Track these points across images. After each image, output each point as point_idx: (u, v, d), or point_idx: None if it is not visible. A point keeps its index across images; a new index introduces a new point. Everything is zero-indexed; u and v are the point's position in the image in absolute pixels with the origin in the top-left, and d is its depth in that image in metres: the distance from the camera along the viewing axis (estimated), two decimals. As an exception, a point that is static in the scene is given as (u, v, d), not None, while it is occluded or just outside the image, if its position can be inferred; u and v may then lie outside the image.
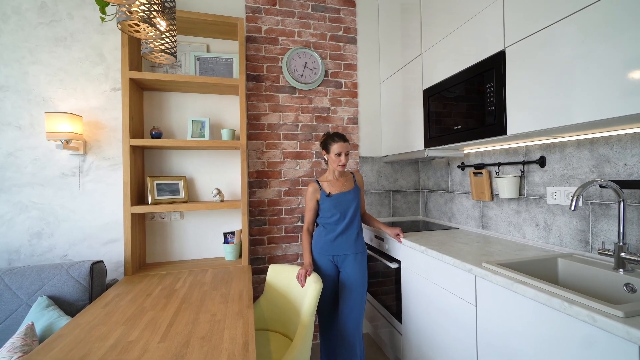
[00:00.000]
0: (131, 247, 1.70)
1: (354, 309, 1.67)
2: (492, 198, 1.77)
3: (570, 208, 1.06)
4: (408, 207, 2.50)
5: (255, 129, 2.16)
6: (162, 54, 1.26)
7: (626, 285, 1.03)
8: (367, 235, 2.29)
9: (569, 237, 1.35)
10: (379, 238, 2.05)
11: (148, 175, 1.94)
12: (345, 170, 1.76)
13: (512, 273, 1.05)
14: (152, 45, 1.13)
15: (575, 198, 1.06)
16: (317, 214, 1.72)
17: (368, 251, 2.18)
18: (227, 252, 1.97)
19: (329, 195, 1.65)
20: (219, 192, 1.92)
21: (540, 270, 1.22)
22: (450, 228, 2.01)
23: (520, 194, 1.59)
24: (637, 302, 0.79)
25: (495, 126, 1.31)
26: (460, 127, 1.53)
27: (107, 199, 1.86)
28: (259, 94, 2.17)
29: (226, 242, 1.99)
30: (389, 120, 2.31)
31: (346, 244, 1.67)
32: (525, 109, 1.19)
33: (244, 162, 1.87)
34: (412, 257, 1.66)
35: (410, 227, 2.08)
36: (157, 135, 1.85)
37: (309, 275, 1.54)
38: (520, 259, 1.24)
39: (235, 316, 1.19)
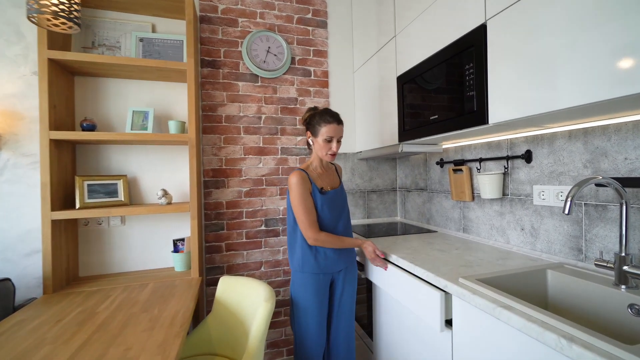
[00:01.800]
0: (53, 259, 1.42)
1: (351, 335, 1.45)
2: (473, 198, 1.58)
3: (564, 211, 0.87)
4: (385, 207, 2.29)
5: (211, 121, 1.91)
6: (64, 21, 1.00)
7: (631, 306, 0.84)
8: (338, 239, 2.07)
9: (558, 244, 1.17)
10: (351, 243, 1.83)
11: (80, 174, 1.66)
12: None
13: (494, 293, 0.84)
14: (37, 6, 0.86)
15: (569, 199, 0.86)
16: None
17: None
18: (176, 262, 1.71)
19: (322, 191, 1.35)
20: (165, 194, 1.66)
21: (527, 285, 1.03)
22: (428, 231, 1.82)
23: (504, 194, 1.40)
24: (655, 341, 0.59)
25: (476, 114, 1.11)
26: (436, 117, 1.33)
27: (27, 203, 1.57)
28: (215, 82, 1.92)
29: (176, 250, 1.74)
30: (363, 113, 2.10)
31: (346, 255, 1.40)
32: (511, 93, 0.99)
33: (194, 158, 1.61)
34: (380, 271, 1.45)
35: (387, 231, 1.88)
36: (90, 128, 1.57)
37: (381, 254, 1.34)
38: (504, 271, 1.04)
39: (154, 350, 0.94)
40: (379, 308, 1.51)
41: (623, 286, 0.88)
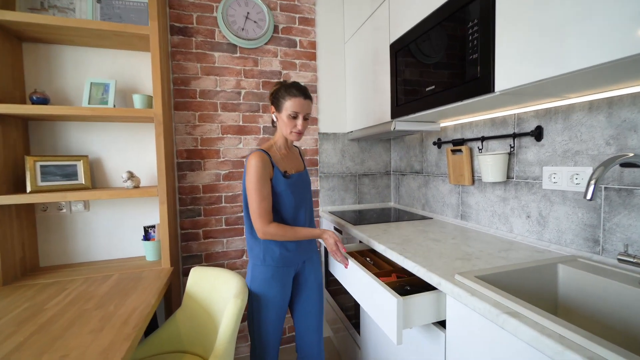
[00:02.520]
0: (1, 248, 1.27)
1: (319, 327, 1.32)
2: (473, 182, 1.42)
3: (585, 197, 0.71)
4: (377, 192, 2.13)
5: (184, 96, 1.71)
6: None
7: (661, 310, 0.69)
8: (325, 226, 1.92)
9: (570, 234, 1.02)
10: (338, 230, 1.69)
11: (33, 154, 1.48)
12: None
13: (497, 295, 0.69)
14: None
15: (593, 183, 0.70)
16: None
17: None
18: (147, 251, 1.56)
19: (286, 174, 1.19)
20: (131, 177, 1.49)
21: (534, 282, 0.88)
22: (423, 218, 1.67)
23: (509, 177, 1.23)
24: None
25: (480, 81, 0.92)
26: (433, 87, 1.14)
27: (-26, 186, 1.40)
28: (187, 52, 1.71)
29: (147, 237, 1.58)
30: (355, 88, 1.90)
31: (310, 244, 1.28)
32: (523, 51, 0.80)
33: (161, 137, 1.43)
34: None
35: (379, 217, 1.73)
36: (41, 101, 1.38)
37: (342, 247, 1.20)
38: (508, 266, 0.89)
39: (94, 357, 0.80)
40: (366, 302, 1.37)
41: (651, 286, 0.73)
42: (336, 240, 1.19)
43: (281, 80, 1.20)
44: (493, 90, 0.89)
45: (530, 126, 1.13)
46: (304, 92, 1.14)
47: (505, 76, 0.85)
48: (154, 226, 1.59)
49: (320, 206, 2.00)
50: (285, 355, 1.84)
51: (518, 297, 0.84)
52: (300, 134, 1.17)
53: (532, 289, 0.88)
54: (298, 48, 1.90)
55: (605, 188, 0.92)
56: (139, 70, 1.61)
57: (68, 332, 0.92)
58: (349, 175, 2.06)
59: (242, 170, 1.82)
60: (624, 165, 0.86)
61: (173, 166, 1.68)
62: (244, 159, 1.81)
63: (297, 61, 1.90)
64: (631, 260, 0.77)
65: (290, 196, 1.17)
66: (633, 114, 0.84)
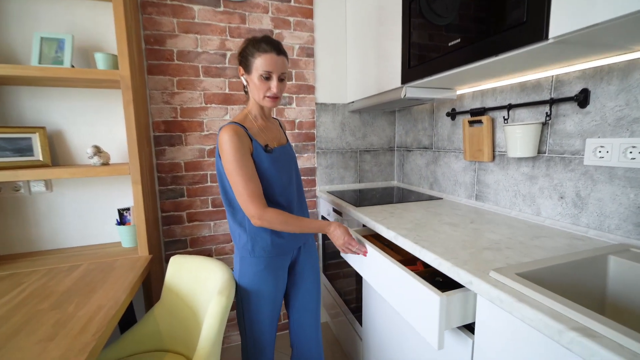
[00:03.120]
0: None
1: (316, 321, 1.18)
2: (494, 158, 1.24)
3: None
4: (380, 170, 1.95)
5: (158, 57, 1.46)
6: None
7: None
8: (323, 207, 1.75)
9: (616, 218, 0.86)
10: (338, 212, 1.52)
11: (-23, 124, 1.25)
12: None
13: (555, 302, 0.53)
14: None
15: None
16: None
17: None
18: (123, 236, 1.38)
19: (267, 148, 0.99)
20: (98, 152, 1.27)
21: (580, 277, 0.73)
22: (431, 198, 1.50)
23: (540, 151, 1.06)
24: None
25: (527, 26, 0.72)
26: (458, 41, 0.93)
27: None
28: (160, 4, 1.44)
29: (122, 222, 1.40)
30: (358, 50, 1.66)
31: None
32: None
33: (130, 105, 1.21)
34: (373, 245, 1.15)
35: (382, 197, 1.56)
36: (-21, 59, 1.13)
37: (353, 243, 1.00)
38: (551, 259, 0.73)
39: (38, 379, 0.64)
40: (371, 295, 1.23)
41: None
42: (345, 232, 1.00)
43: (251, 37, 0.96)
44: (546, 38, 0.68)
45: (573, 90, 0.94)
46: (276, 47, 0.93)
47: (566, 15, 0.64)
48: (129, 208, 1.40)
49: (318, 185, 1.82)
50: (278, 341, 1.73)
51: (566, 298, 0.69)
52: (275, 98, 0.96)
53: (577, 285, 0.72)
54: (292, 3, 1.63)
55: (671, 163, 0.75)
56: (103, 26, 1.35)
57: (10, 342, 0.74)
58: (349, 152, 1.86)
59: (230, 145, 1.61)
60: None
61: (149, 140, 1.46)
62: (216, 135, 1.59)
63: (291, 19, 1.64)
64: None
65: (275, 174, 0.98)
66: None
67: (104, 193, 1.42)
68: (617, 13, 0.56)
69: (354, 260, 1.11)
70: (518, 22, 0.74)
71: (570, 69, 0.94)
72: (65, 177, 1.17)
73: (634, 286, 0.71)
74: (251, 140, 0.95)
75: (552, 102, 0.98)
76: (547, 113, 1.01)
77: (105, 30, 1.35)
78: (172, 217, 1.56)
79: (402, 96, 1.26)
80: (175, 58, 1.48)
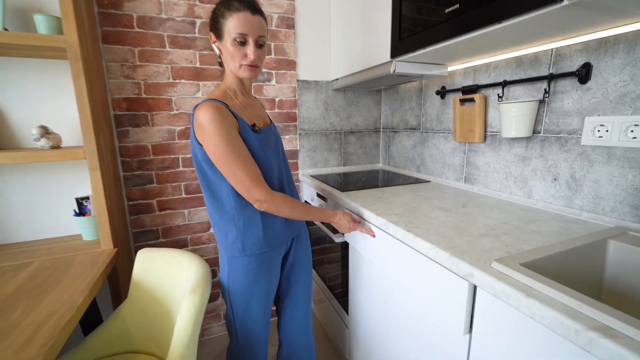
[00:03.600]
0: None
1: (307, 314, 1.11)
2: (485, 138, 1.18)
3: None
4: (365, 152, 1.87)
5: (115, 24, 1.27)
6: None
7: None
8: (306, 192, 1.66)
9: (612, 200, 0.83)
10: (322, 197, 1.44)
11: None
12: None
13: (568, 297, 0.48)
14: None
15: None
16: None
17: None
18: (82, 229, 1.23)
19: (255, 129, 0.86)
20: (46, 133, 1.10)
21: (579, 263, 0.69)
22: (418, 181, 1.45)
23: (534, 131, 1.00)
24: None
25: (538, -16, 0.63)
26: (457, 6, 0.83)
27: None
28: (113, -42, 1.23)
29: (82, 212, 1.25)
30: (343, 20, 1.53)
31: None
32: None
33: (81, 78, 1.03)
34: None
35: (367, 181, 1.49)
36: None
37: (360, 229, 1.00)
38: (552, 247, 0.68)
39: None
40: (358, 282, 1.18)
41: None
42: (351, 218, 0.98)
43: None
44: (560, 0, 0.60)
45: (574, 64, 0.88)
46: (250, 4, 0.78)
47: (586, -29, 0.56)
48: (89, 197, 1.25)
49: (300, 169, 1.72)
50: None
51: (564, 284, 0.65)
52: (254, 67, 0.82)
53: (574, 271, 0.68)
54: (269, -36, 1.46)
55: (675, 143, 0.71)
56: (41, -19, 1.13)
57: (-63, 359, 0.62)
58: (334, 133, 1.76)
59: (203, 125, 1.47)
60: None
61: (109, 120, 1.29)
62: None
63: (268, -17, 1.47)
64: None
65: (265, 157, 0.86)
66: None
67: (57, 180, 1.26)
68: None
69: (358, 242, 1.06)
70: (527, -18, 0.65)
71: (572, 41, 0.87)
72: (6, 162, 1.01)
73: (633, 270, 0.68)
74: (237, 118, 0.82)
75: (551, 77, 0.92)
76: (545, 90, 0.95)
77: (47, -12, 1.14)
78: (140, 205, 1.42)
79: (392, 71, 1.16)
80: (135, 25, 1.30)
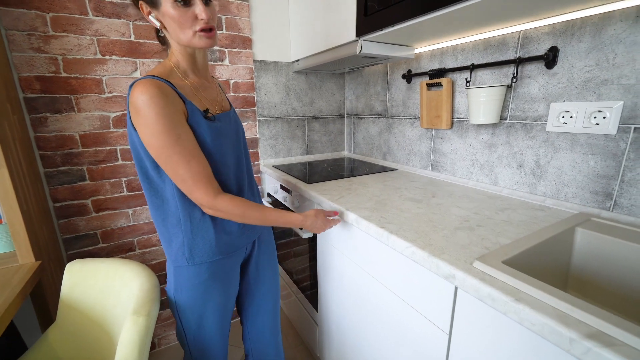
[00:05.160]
0: None
1: (275, 324, 1.01)
2: (452, 125, 1.16)
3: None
4: (329, 140, 1.79)
5: (14, -20, 1.00)
6: None
7: None
8: (269, 184, 1.55)
9: (574, 186, 0.84)
10: (286, 189, 1.34)
11: None
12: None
13: (557, 299, 0.44)
14: None
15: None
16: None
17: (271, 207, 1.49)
18: (-8, 240, 1.00)
19: (207, 114, 0.71)
20: None
21: (550, 252, 0.68)
22: (385, 169, 1.40)
23: (501, 117, 0.99)
24: None
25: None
26: (429, -22, 0.76)
27: None
28: None
29: (-11, 220, 1.01)
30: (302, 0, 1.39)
31: None
32: None
33: (-34, 48, 0.79)
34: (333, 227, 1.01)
35: (333, 170, 1.41)
36: None
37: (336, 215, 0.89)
38: (527, 238, 0.67)
39: None
40: (328, 278, 1.11)
41: (702, 254, 0.57)
42: (324, 220, 0.86)
43: None
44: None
45: (541, 48, 0.86)
46: None
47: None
48: (-4, 201, 1.01)
49: (261, 159, 1.59)
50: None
51: (531, 276, 0.64)
52: (210, 30, 0.67)
53: (545, 260, 0.68)
54: None
55: (635, 129, 0.72)
56: None
57: None
58: (296, 119, 1.65)
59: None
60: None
61: (16, 104, 1.04)
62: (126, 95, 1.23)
63: (215, -56, 1.27)
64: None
65: (221, 149, 0.73)
66: None
67: (-49, 181, 1.00)
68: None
69: (331, 236, 0.97)
70: (508, -49, 0.59)
71: (539, 24, 0.85)
72: None
73: (598, 257, 0.69)
74: (184, 102, 0.67)
75: (518, 61, 0.89)
76: (513, 74, 0.92)
77: None
78: (70, 207, 1.20)
79: (358, 52, 1.07)
80: (44, -16, 1.04)
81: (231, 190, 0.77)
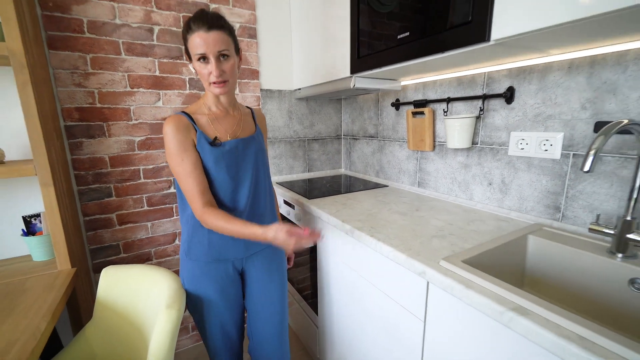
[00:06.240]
0: None
1: (282, 332, 1.08)
2: (434, 147, 1.34)
3: (582, 169, 0.64)
4: (328, 159, 1.96)
5: (62, 28, 1.19)
6: None
7: (632, 282, 0.69)
8: (274, 199, 1.70)
9: (532, 201, 1.01)
10: (289, 204, 1.49)
11: None
12: (236, 97, 0.98)
13: (496, 286, 0.60)
14: None
15: (593, 153, 0.62)
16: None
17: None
18: (32, 249, 1.15)
19: (215, 142, 0.88)
20: (-14, 148, 1.01)
21: (507, 255, 0.84)
22: (378, 186, 1.57)
23: (473, 142, 1.17)
24: None
25: (472, 27, 0.76)
26: (407, 34, 0.95)
27: None
28: (60, -41, 1.16)
29: (31, 231, 1.16)
30: (303, 33, 1.59)
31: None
32: (530, -12, 0.65)
33: (28, 87, 0.96)
34: (331, 236, 1.16)
35: (331, 186, 1.57)
36: None
37: (304, 241, 0.77)
38: (487, 244, 0.82)
39: None
40: (327, 284, 1.26)
41: (620, 255, 0.73)
42: (288, 234, 0.76)
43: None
44: (488, 39, 0.73)
45: (502, 87, 1.05)
46: (205, 22, 0.79)
47: (507, 21, 0.69)
48: (38, 215, 1.16)
49: (266, 176, 1.75)
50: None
51: (494, 276, 0.79)
52: (221, 83, 0.85)
53: (505, 262, 0.83)
54: (229, -25, 1.47)
55: (573, 154, 0.89)
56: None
57: None
58: (298, 140, 1.83)
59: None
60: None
61: (59, 132, 1.21)
62: (148, 124, 1.41)
63: (228, -7, 1.48)
64: (601, 229, 0.76)
65: (220, 170, 0.88)
66: (615, 74, 0.79)
67: (5, 198, 1.15)
68: (548, 23, 0.63)
69: (328, 246, 1.12)
70: (464, 22, 0.77)
71: (500, 67, 1.04)
72: (-62, 182, 0.91)
73: (547, 260, 0.84)
74: (196, 130, 0.87)
75: (484, 97, 1.08)
76: (480, 107, 1.11)
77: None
78: (98, 220, 1.35)
79: (352, 86, 1.26)
80: (86, 30, 1.23)
81: (224, 204, 0.91)
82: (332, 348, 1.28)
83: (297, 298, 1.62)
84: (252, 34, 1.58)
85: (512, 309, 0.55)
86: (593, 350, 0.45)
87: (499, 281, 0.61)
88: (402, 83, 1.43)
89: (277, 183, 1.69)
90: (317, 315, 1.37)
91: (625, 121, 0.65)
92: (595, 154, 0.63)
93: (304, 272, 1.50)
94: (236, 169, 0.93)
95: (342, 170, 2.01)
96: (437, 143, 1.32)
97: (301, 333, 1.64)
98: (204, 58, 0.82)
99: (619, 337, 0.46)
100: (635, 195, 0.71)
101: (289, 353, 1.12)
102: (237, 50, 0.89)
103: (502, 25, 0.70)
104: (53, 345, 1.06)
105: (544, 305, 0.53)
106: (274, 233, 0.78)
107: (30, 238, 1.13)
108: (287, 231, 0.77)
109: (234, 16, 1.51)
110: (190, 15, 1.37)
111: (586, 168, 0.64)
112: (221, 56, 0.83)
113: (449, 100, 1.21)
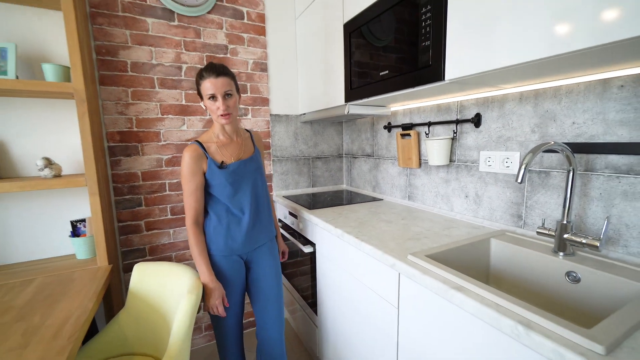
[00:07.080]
0: None
1: (278, 315, 1.30)
2: (420, 165, 1.51)
3: (517, 180, 0.80)
4: (330, 175, 2.16)
5: (111, 68, 1.48)
6: None
7: (568, 274, 0.84)
8: (280, 211, 1.90)
9: (500, 211, 1.16)
10: (293, 215, 1.68)
11: None
12: (239, 125, 1.26)
13: (445, 272, 0.76)
14: None
15: (523, 167, 0.79)
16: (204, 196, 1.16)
17: (282, 231, 1.82)
18: (77, 248, 1.37)
19: (222, 165, 1.13)
20: (49, 164, 1.26)
21: (472, 255, 0.99)
22: (374, 199, 1.74)
23: (451, 160, 1.34)
24: (609, 324, 0.55)
25: (431, 69, 0.96)
26: (387, 72, 1.16)
27: None
28: (112, 15, 1.45)
29: (76, 233, 1.39)
30: (307, 67, 1.84)
31: (260, 233, 1.23)
32: (474, 39, 0.85)
33: (85, 117, 1.22)
34: (327, 241, 1.34)
35: (332, 200, 1.76)
36: None
37: (226, 303, 1.15)
38: (451, 244, 0.98)
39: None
40: (324, 284, 1.42)
41: (561, 253, 0.88)
42: (217, 296, 1.12)
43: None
44: (443, 79, 0.93)
45: (471, 113, 1.23)
46: (215, 70, 1.06)
47: (455, 66, 0.89)
48: (83, 220, 1.40)
49: (274, 190, 1.96)
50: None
51: (460, 271, 0.94)
52: (226, 115, 1.10)
53: (470, 261, 0.99)
54: (245, 20, 1.75)
55: (529, 170, 1.05)
56: (49, 33, 1.33)
57: (-20, 353, 0.77)
58: (303, 159, 2.04)
59: (188, 154, 1.68)
60: (546, 151, 0.99)
61: (103, 151, 1.47)
62: (188, 142, 1.65)
63: (244, 35, 1.76)
64: (546, 232, 0.91)
65: (228, 187, 1.13)
66: (554, 104, 0.96)
67: (52, 205, 1.40)
68: (490, 67, 0.82)
69: (324, 249, 1.28)
70: (425, 65, 0.98)
71: (468, 97, 1.23)
72: (14, 190, 1.16)
73: (506, 260, 0.99)
74: (207, 157, 1.11)
75: (457, 122, 1.27)
76: (454, 130, 1.29)
77: (49, 36, 1.33)
78: (129, 226, 1.58)
79: (346, 112, 1.47)
80: (129, 69, 1.51)
81: (232, 211, 1.16)
82: (328, 344, 1.42)
83: (302, 304, 1.77)
84: (264, 68, 1.84)
85: (453, 287, 0.71)
86: (505, 314, 0.61)
87: (448, 268, 0.77)
88: (392, 109, 1.63)
89: (283, 196, 1.89)
90: (317, 315, 1.52)
91: (551, 142, 0.82)
92: (525, 168, 0.80)
93: (308, 280, 1.66)
94: (240, 184, 1.16)
95: (344, 186, 2.20)
96: (422, 161, 1.50)
97: (304, 337, 1.77)
98: (213, 97, 1.07)
99: (519, 301, 0.61)
100: (568, 203, 0.86)
101: (284, 321, 1.33)
102: (238, 90, 1.15)
103: (453, 68, 0.90)
104: (91, 329, 1.26)
105: (476, 284, 0.69)
106: (209, 288, 1.10)
107: (76, 239, 1.36)
108: (218, 296, 1.11)
109: (249, 54, 1.78)
110: (211, 54, 1.65)
111: (518, 180, 0.80)
112: (226, 95, 1.09)
113: (429, 124, 1.40)
